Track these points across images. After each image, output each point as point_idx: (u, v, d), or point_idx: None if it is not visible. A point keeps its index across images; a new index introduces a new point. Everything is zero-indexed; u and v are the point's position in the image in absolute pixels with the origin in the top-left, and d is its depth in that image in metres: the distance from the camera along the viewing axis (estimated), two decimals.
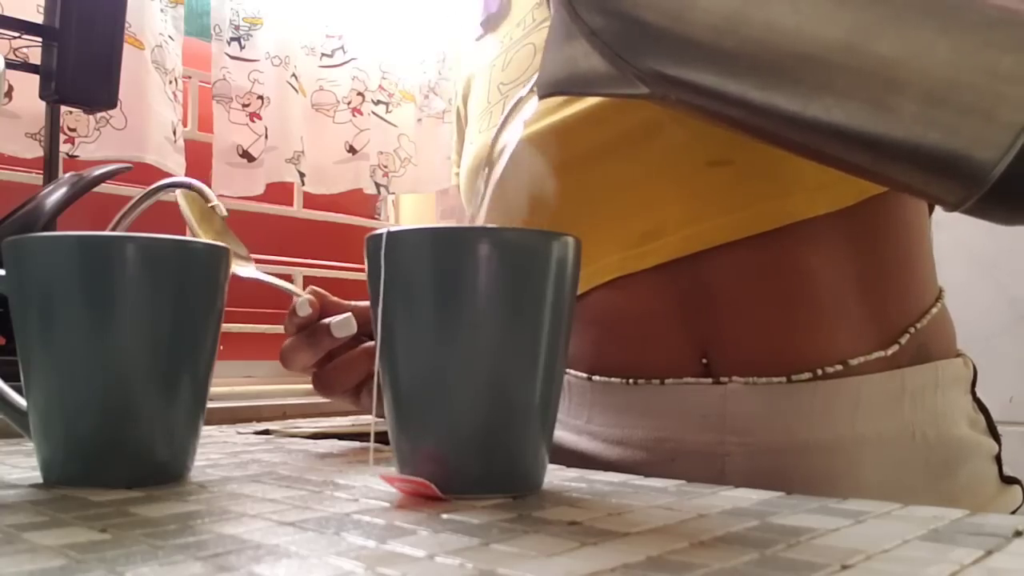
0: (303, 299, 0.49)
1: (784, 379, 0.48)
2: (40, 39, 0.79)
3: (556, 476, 0.40)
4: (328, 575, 0.22)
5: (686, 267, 0.50)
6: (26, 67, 0.81)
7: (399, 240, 0.33)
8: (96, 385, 0.35)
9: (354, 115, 1.40)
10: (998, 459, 0.54)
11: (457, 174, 0.73)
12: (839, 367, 0.48)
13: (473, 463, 0.33)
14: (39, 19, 0.82)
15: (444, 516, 0.29)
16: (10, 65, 0.79)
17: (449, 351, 0.32)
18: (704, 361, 0.50)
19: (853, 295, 0.50)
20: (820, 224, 0.49)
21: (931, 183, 0.31)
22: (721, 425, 0.49)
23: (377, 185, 1.44)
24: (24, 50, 0.84)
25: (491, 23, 0.65)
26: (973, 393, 0.55)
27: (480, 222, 0.43)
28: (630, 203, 0.52)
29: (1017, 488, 0.55)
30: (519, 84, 0.57)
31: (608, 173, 0.52)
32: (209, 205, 0.80)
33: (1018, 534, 0.27)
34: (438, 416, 0.33)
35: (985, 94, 0.28)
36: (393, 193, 1.51)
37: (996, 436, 0.55)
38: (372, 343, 0.46)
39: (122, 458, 0.35)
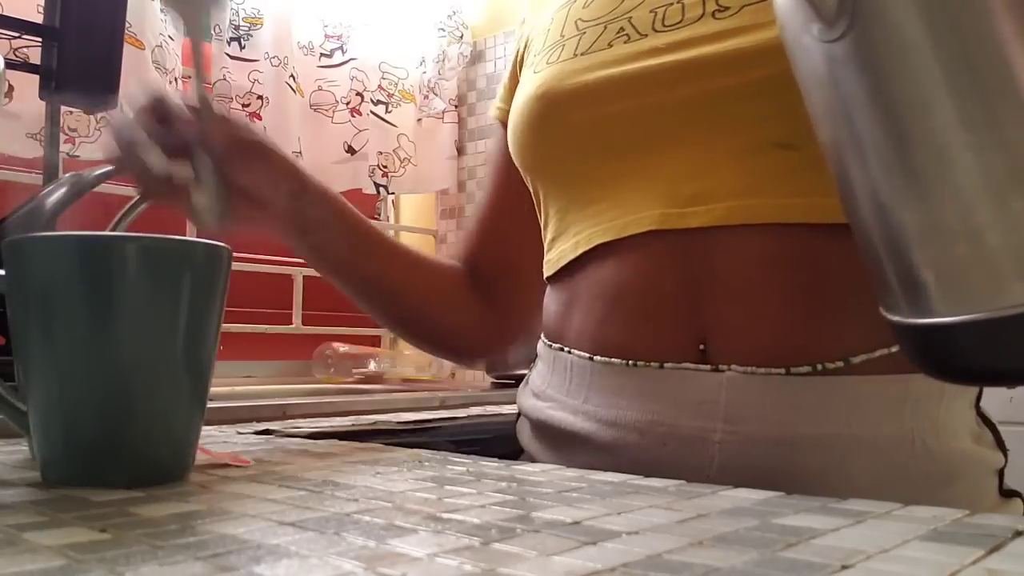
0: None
1: (783, 371, 0.48)
2: (40, 39, 0.79)
3: (556, 476, 0.40)
4: (328, 575, 0.22)
5: (700, 247, 0.50)
6: (26, 67, 0.81)
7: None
8: (96, 385, 0.35)
9: (353, 115, 1.40)
10: (1000, 473, 0.54)
11: (498, 107, 0.71)
12: (840, 364, 0.48)
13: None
14: (39, 19, 0.82)
15: (444, 516, 0.30)
16: (10, 65, 0.79)
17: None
18: (701, 347, 0.50)
19: (863, 298, 0.50)
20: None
21: (880, 278, 0.33)
22: (716, 413, 0.49)
23: (376, 185, 1.44)
24: (24, 50, 0.84)
25: None
26: (978, 408, 0.55)
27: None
28: (687, 163, 0.51)
29: (1018, 501, 0.55)
30: (599, 24, 0.57)
31: (672, 131, 0.52)
32: None
33: (1018, 534, 0.27)
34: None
35: (996, 259, 0.28)
36: (393, 193, 1.51)
37: (1004, 450, 0.55)
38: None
39: (122, 458, 0.35)
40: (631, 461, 0.50)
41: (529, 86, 0.59)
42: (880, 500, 0.47)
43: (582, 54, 0.56)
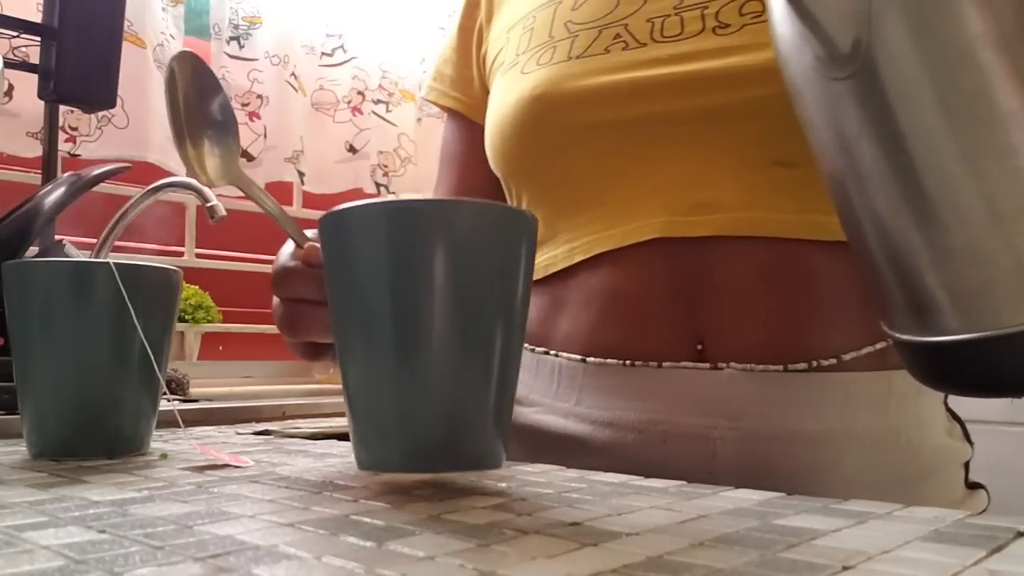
0: (310, 246, 0.43)
1: (781, 368, 0.49)
2: (39, 38, 0.79)
3: (556, 476, 0.40)
4: None
5: (698, 254, 0.51)
6: (25, 66, 0.81)
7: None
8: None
9: (354, 114, 1.40)
10: (967, 465, 0.56)
11: (438, 89, 0.70)
12: (833, 361, 0.50)
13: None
14: (39, 18, 0.81)
15: (444, 517, 0.29)
16: (9, 64, 0.79)
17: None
18: (699, 347, 0.51)
19: (851, 300, 0.51)
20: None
21: (883, 300, 0.34)
22: (715, 410, 0.50)
23: (377, 185, 1.44)
24: (24, 49, 0.84)
25: None
26: (946, 403, 0.57)
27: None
28: (687, 173, 0.52)
29: (982, 493, 0.57)
30: (592, 28, 0.55)
31: (673, 142, 0.52)
32: (208, 205, 0.80)
33: (1020, 535, 0.27)
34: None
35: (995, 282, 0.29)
36: (393, 192, 1.51)
37: (971, 442, 0.57)
38: None
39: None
40: (630, 461, 0.50)
41: (521, 87, 0.57)
42: (871, 493, 0.48)
43: (577, 57, 0.55)
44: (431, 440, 0.33)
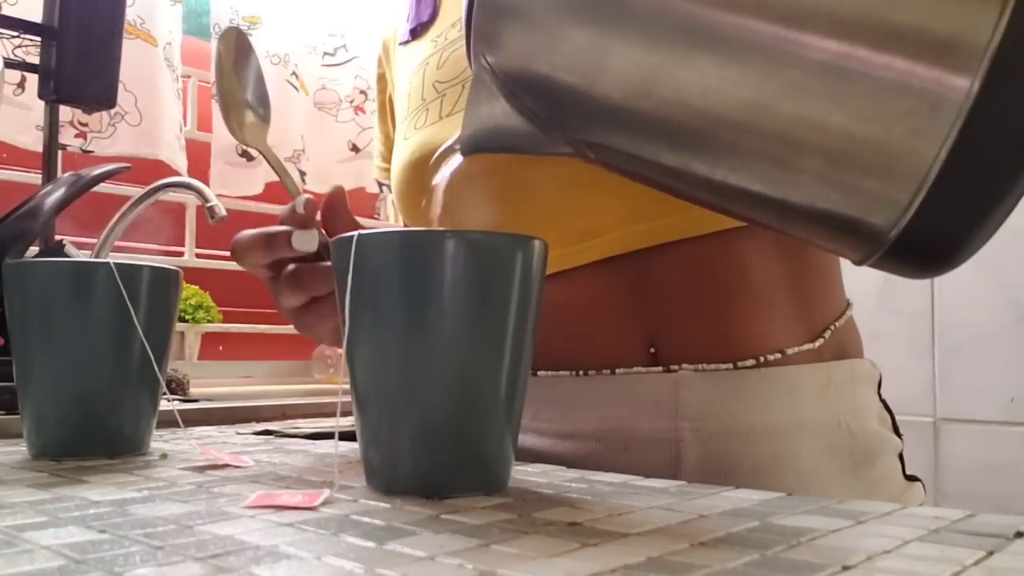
0: (302, 198, 0.49)
1: (731, 366, 0.50)
2: (39, 38, 0.79)
3: (556, 477, 0.40)
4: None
5: (630, 259, 0.51)
6: (24, 66, 0.81)
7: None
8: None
9: (356, 113, 1.40)
10: (901, 457, 0.57)
11: (381, 168, 0.73)
12: (778, 355, 0.51)
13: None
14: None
15: (444, 517, 0.29)
16: (9, 64, 0.79)
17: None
18: (652, 350, 0.51)
19: (784, 291, 0.52)
20: (752, 228, 0.51)
21: (834, 242, 0.33)
22: (674, 412, 0.50)
23: (379, 184, 1.44)
24: (28, 48, 0.84)
25: (421, 30, 0.67)
26: (879, 394, 0.58)
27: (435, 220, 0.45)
28: (569, 203, 0.53)
29: (919, 485, 0.58)
30: (456, 84, 0.58)
31: (546, 174, 0.53)
32: (207, 205, 0.80)
33: (1019, 535, 0.27)
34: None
35: (879, 162, 0.29)
36: None
37: (900, 435, 0.58)
38: (330, 265, 0.42)
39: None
40: (593, 471, 0.50)
41: (404, 153, 0.60)
42: (822, 482, 0.50)
43: (446, 116, 0.57)
44: (440, 464, 0.34)
